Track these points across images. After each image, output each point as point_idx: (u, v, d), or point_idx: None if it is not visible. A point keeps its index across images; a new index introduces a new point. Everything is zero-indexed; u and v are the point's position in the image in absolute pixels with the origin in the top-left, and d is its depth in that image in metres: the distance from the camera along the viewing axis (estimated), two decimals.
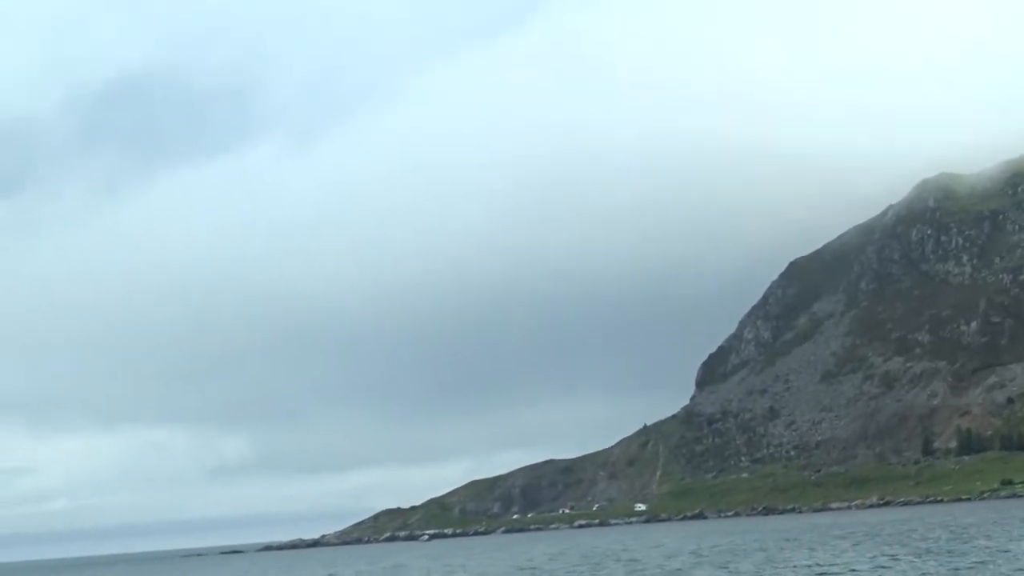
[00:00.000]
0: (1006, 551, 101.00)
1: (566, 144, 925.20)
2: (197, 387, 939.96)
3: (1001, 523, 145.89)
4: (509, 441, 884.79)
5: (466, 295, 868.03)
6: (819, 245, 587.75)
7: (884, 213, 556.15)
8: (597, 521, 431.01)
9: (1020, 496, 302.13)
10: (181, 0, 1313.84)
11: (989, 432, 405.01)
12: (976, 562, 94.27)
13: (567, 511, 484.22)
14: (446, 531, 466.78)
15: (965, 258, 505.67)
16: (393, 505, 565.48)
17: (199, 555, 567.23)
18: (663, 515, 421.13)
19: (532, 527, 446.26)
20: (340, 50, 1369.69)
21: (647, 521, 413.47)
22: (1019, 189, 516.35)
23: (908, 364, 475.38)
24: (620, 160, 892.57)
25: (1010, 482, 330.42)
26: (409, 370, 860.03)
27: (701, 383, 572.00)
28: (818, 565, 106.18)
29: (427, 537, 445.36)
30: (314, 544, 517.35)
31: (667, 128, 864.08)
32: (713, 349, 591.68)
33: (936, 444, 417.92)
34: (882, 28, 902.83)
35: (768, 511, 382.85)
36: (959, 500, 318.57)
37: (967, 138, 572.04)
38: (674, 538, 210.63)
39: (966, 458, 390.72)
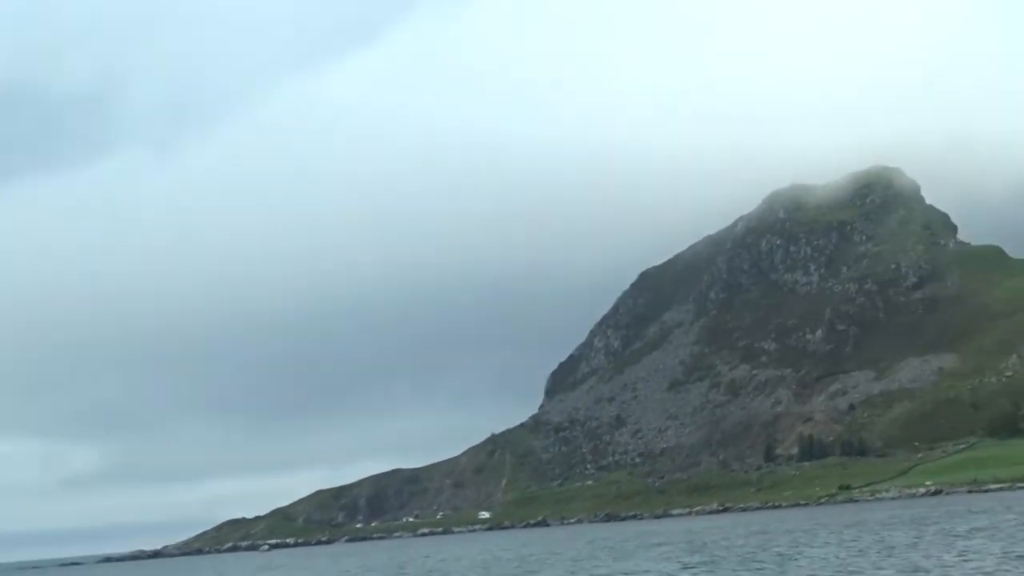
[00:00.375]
0: (795, 559, 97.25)
1: (422, 154, 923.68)
2: (47, 398, 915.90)
3: (814, 531, 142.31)
4: (362, 451, 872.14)
5: (317, 306, 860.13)
6: (670, 255, 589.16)
7: (735, 224, 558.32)
8: (440, 530, 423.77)
9: (856, 501, 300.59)
10: (38, 9, 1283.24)
11: (831, 438, 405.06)
12: (758, 569, 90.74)
13: (411, 520, 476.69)
14: (288, 541, 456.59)
15: (813, 268, 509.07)
16: (241, 515, 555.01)
17: (35, 567, 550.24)
18: (506, 523, 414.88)
19: (375, 536, 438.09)
20: (201, 58, 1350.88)
21: (490, 529, 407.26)
22: (867, 200, 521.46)
23: (754, 372, 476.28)
24: (472, 170, 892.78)
25: (848, 487, 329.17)
26: (260, 380, 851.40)
27: (551, 391, 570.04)
28: (622, 572, 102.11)
29: (267, 547, 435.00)
30: (154, 555, 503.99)
31: (519, 138, 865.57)
32: (564, 358, 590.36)
33: (778, 451, 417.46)
34: (736, 40, 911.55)
35: (610, 518, 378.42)
36: (797, 506, 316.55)
37: (817, 150, 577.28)
38: (500, 546, 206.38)
39: (807, 464, 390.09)
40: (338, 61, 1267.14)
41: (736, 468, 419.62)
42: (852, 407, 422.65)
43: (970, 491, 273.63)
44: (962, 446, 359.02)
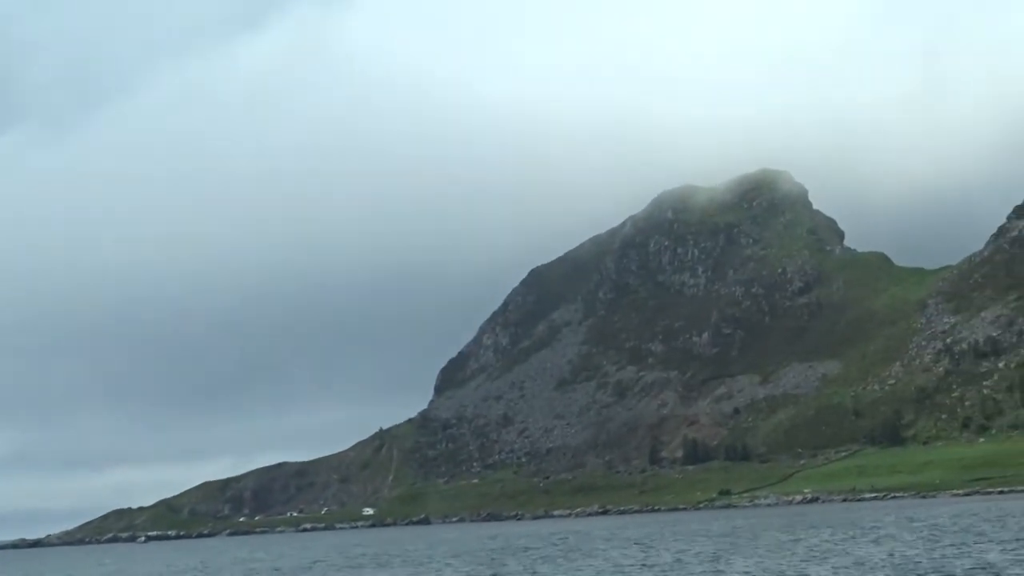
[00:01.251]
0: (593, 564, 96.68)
1: (310, 144, 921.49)
2: None
3: (659, 537, 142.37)
4: (258, 444, 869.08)
5: (214, 299, 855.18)
6: (561, 253, 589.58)
7: (624, 223, 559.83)
8: (323, 525, 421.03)
9: (735, 507, 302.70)
10: None
11: (715, 442, 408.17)
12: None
13: (295, 514, 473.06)
14: (170, 533, 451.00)
15: (700, 270, 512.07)
16: (130, 505, 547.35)
17: None
18: (388, 520, 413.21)
19: (257, 530, 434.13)
20: (92, 41, 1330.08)
21: (372, 525, 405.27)
22: (754, 203, 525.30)
23: (641, 373, 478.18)
24: (363, 166, 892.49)
25: (727, 492, 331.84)
26: (158, 371, 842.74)
27: (440, 388, 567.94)
28: None
29: (144, 539, 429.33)
30: (34, 544, 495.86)
31: (410, 135, 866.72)
32: (454, 354, 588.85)
33: (663, 453, 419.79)
34: (628, 41, 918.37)
35: (492, 517, 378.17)
36: (676, 510, 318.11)
37: (706, 151, 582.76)
38: (350, 542, 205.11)
39: (691, 468, 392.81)
40: (225, 46, 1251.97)
41: (621, 470, 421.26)
42: (737, 411, 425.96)
43: (845, 500, 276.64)
44: (844, 453, 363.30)
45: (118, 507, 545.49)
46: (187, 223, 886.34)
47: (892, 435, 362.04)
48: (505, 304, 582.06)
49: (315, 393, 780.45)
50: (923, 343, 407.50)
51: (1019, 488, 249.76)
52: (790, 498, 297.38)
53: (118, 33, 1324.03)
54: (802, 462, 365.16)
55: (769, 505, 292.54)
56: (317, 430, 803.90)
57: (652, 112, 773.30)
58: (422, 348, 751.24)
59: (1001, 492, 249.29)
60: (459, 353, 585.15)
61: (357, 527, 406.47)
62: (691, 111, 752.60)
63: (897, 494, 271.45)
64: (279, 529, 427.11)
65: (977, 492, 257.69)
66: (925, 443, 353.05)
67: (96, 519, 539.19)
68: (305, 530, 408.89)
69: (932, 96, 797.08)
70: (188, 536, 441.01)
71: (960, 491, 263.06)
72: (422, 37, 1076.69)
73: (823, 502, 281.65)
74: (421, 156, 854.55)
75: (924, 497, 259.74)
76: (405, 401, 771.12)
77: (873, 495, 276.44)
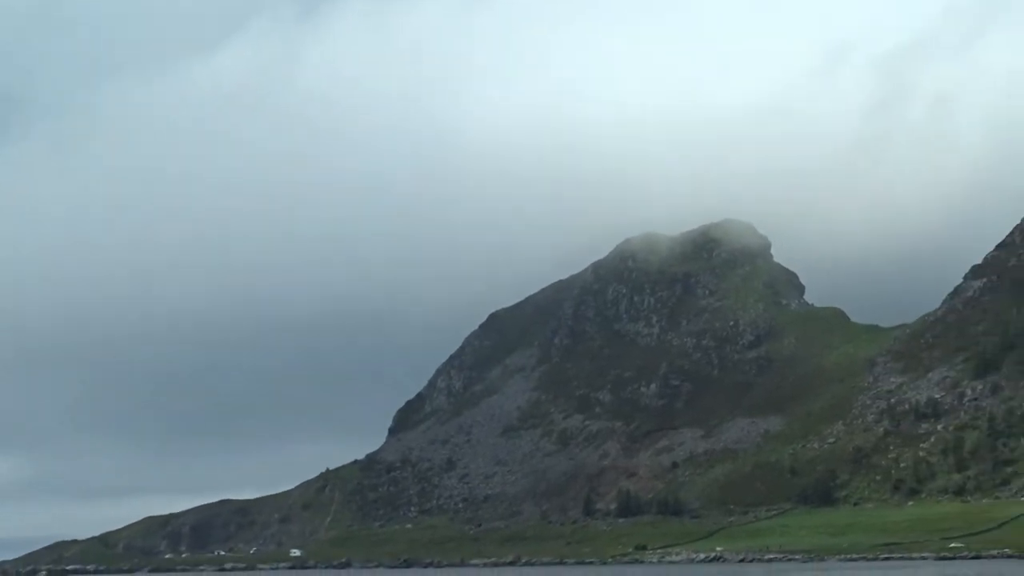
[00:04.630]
0: None
1: (270, 180, 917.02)
2: None
3: None
4: (210, 481, 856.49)
5: (169, 336, 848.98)
6: (522, 298, 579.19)
7: (586, 270, 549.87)
8: (244, 566, 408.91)
9: (641, 562, 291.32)
10: None
11: (650, 495, 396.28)
12: None
13: (222, 553, 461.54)
14: (88, 567, 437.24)
15: (655, 319, 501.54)
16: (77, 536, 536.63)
17: None
18: (311, 563, 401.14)
19: (178, 567, 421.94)
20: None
21: (292, 567, 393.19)
22: (714, 254, 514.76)
23: (587, 422, 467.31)
24: (325, 205, 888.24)
25: (643, 547, 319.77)
26: (120, 406, 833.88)
27: (394, 430, 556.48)
28: None
29: (44, 573, 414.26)
30: None
31: (373, 176, 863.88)
32: (412, 396, 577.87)
33: (599, 505, 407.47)
34: (595, 91, 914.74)
35: (409, 564, 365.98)
36: (582, 563, 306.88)
37: (674, 201, 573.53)
38: None
39: (621, 521, 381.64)
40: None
41: (555, 520, 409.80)
42: (675, 464, 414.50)
43: (742, 560, 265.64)
44: (774, 512, 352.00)
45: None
46: (125, 260, 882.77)
47: (824, 495, 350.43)
48: (462, 347, 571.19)
49: (275, 432, 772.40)
50: (868, 402, 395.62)
51: (921, 555, 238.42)
52: (693, 556, 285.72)
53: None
54: (731, 519, 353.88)
55: (674, 563, 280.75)
56: (275, 468, 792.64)
57: (620, 159, 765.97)
58: (384, 389, 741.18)
59: (901, 558, 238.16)
60: (417, 395, 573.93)
61: (278, 568, 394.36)
62: (661, 159, 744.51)
63: (795, 557, 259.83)
64: (201, 568, 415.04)
65: (884, 558, 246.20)
66: (856, 504, 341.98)
67: (38, 550, 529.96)
68: (224, 570, 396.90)
69: (894, 150, 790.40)
70: (108, 571, 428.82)
71: (867, 555, 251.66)
72: (390, 72, 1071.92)
73: (724, 561, 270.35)
74: (384, 196, 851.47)
75: (822, 560, 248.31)
76: (361, 443, 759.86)
77: (773, 555, 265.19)
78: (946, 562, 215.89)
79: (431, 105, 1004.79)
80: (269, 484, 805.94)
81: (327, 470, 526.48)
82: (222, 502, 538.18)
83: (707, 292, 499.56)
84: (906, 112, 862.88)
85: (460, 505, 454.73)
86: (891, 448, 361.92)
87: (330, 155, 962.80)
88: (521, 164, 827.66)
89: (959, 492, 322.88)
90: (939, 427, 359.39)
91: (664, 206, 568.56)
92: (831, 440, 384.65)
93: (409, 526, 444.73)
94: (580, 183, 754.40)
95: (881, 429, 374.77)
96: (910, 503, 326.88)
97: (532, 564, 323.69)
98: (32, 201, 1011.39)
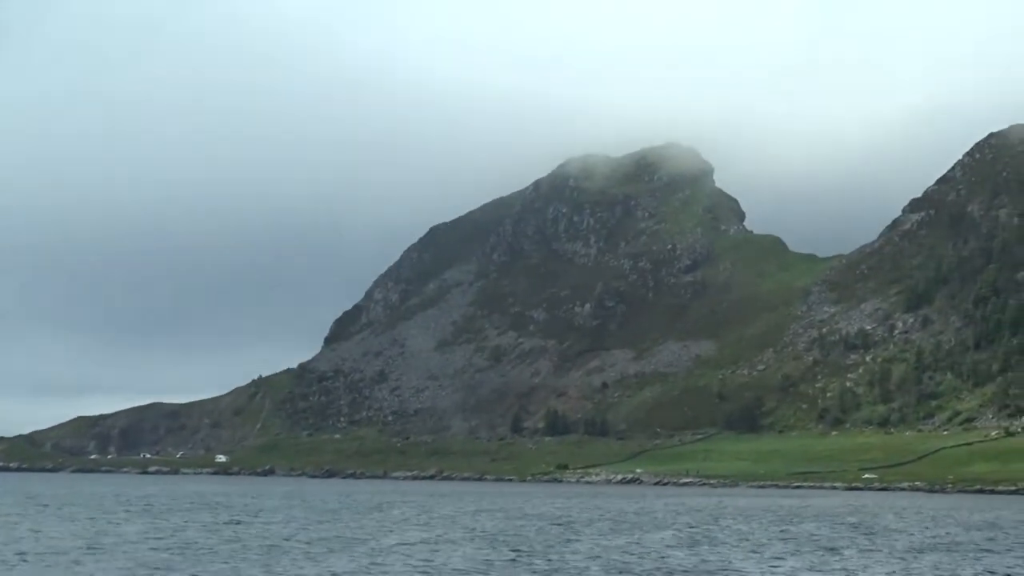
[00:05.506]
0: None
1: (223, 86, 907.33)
2: None
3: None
4: (154, 383, 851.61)
5: (115, 235, 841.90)
6: (462, 213, 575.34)
7: (527, 188, 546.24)
8: (167, 469, 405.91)
9: (559, 481, 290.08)
10: None
11: (578, 415, 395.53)
12: None
13: (148, 456, 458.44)
14: (11, 465, 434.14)
15: (593, 240, 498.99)
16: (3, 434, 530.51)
17: None
18: (235, 469, 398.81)
19: (102, 469, 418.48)
20: None
21: (216, 473, 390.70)
22: (655, 177, 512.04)
23: (520, 340, 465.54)
24: (273, 115, 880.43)
25: (565, 467, 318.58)
26: (55, 303, 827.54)
27: (330, 339, 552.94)
28: None
29: None
30: None
31: (325, 91, 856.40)
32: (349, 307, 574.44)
33: (527, 423, 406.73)
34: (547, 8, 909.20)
35: (330, 474, 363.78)
36: (501, 480, 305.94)
37: (616, 120, 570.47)
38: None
39: (548, 439, 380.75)
40: None
41: (482, 436, 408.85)
42: (605, 386, 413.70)
43: (658, 483, 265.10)
44: (699, 436, 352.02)
45: None
46: (73, 159, 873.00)
47: (750, 422, 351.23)
48: (401, 260, 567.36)
49: (212, 337, 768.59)
50: (800, 331, 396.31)
51: (832, 485, 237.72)
52: (610, 477, 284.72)
53: None
54: (656, 442, 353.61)
55: (591, 483, 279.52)
56: (210, 374, 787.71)
57: (565, 76, 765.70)
58: (323, 300, 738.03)
59: (812, 487, 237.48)
60: (354, 306, 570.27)
61: (201, 474, 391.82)
62: (605, 86, 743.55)
63: (711, 482, 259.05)
64: (124, 469, 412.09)
65: (795, 486, 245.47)
66: (780, 432, 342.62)
67: None
68: (147, 472, 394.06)
69: (840, 83, 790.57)
70: (31, 470, 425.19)
71: (781, 483, 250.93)
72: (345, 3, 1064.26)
73: (639, 483, 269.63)
74: (333, 108, 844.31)
75: (735, 486, 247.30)
76: (298, 352, 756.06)
77: (688, 479, 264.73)
78: (853, 492, 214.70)
79: (388, 34, 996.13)
80: (202, 389, 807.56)
81: (259, 377, 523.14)
82: (153, 405, 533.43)
83: (647, 215, 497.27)
84: (849, 42, 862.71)
85: (390, 418, 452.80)
86: (819, 377, 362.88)
87: (281, 70, 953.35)
88: (468, 85, 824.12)
89: (883, 423, 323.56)
90: (868, 358, 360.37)
91: (608, 130, 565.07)
92: (760, 367, 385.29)
93: (337, 436, 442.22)
94: (525, 106, 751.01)
95: (811, 358, 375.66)
96: (834, 432, 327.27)
97: (451, 479, 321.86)
98: None
